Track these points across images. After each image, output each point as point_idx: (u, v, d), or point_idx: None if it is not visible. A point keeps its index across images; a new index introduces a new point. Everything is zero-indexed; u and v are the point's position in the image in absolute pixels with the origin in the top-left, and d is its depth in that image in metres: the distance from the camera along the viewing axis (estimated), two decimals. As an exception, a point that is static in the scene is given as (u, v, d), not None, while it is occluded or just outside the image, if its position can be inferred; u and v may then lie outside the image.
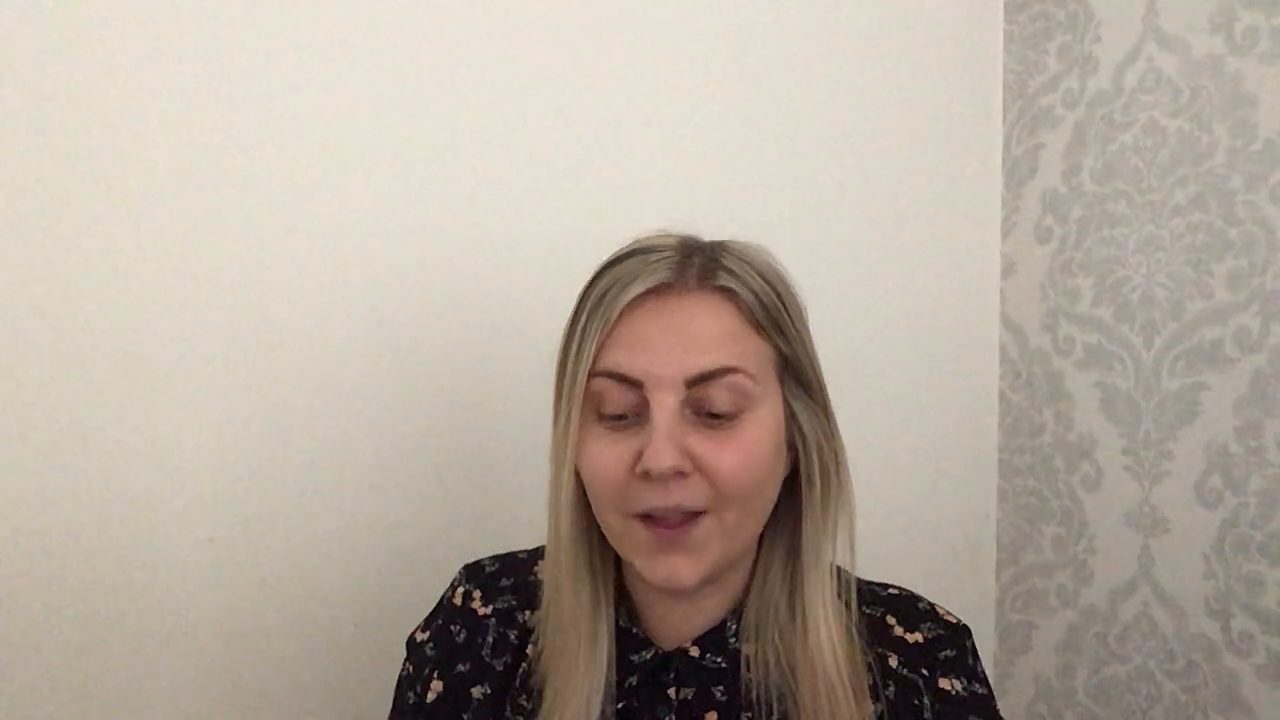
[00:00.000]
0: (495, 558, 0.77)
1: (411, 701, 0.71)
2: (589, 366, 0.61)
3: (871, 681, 0.65)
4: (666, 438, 0.58)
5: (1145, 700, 1.23)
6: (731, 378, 0.60)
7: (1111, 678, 1.28)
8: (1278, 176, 1.10)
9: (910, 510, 1.35)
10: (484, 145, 1.01)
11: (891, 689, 0.65)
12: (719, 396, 0.60)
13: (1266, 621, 1.11)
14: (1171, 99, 1.20)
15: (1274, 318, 1.10)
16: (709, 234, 0.68)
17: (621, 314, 0.61)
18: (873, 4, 1.30)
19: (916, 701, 0.65)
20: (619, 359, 0.61)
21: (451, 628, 0.72)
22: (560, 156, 1.05)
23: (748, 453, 0.60)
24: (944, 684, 0.66)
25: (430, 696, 0.70)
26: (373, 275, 0.95)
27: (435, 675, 0.71)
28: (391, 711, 0.74)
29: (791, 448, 0.65)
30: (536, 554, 0.75)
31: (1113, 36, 1.28)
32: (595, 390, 0.62)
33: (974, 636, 0.71)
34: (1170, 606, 1.21)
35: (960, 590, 1.40)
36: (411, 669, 0.73)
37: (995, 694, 0.69)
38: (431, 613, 0.75)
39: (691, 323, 0.61)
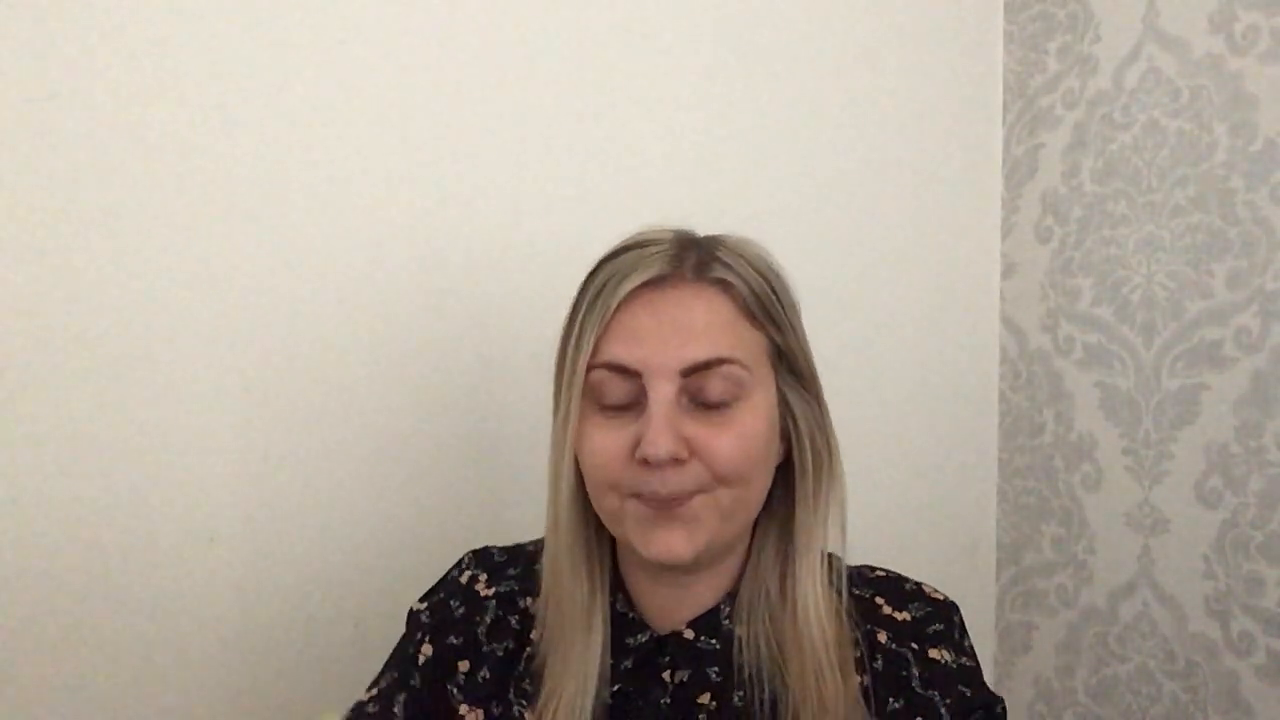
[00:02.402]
0: (504, 549, 0.78)
1: (409, 653, 0.73)
2: (588, 359, 0.63)
3: (858, 655, 0.66)
4: (664, 426, 0.60)
5: (1145, 700, 1.23)
6: (726, 368, 0.62)
7: (1111, 678, 1.28)
8: (1278, 176, 1.10)
9: (910, 510, 1.35)
10: (484, 144, 1.01)
11: (880, 662, 0.67)
12: (714, 386, 0.62)
13: (1266, 621, 1.11)
14: (1171, 99, 1.20)
15: (1274, 318, 1.10)
16: (706, 231, 0.69)
17: (619, 306, 0.63)
18: (873, 4, 1.30)
19: (904, 673, 0.66)
20: (617, 351, 0.62)
21: (451, 602, 0.74)
22: (560, 154, 1.05)
23: (743, 438, 0.62)
24: (933, 654, 0.67)
25: (420, 659, 0.72)
26: (372, 275, 0.95)
27: (427, 640, 0.72)
28: (383, 667, 0.75)
29: (785, 437, 0.67)
30: (542, 545, 0.76)
31: (1113, 36, 1.28)
32: (594, 381, 0.63)
33: (971, 631, 0.71)
34: (1170, 606, 1.21)
35: (960, 590, 1.39)
36: (406, 633, 0.75)
37: (993, 692, 0.70)
38: (434, 587, 0.77)
39: (687, 314, 0.62)
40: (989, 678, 1.42)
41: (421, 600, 0.76)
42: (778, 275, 0.67)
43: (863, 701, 0.64)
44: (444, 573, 0.78)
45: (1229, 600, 1.14)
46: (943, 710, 0.65)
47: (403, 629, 0.77)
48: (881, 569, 0.73)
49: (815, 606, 0.64)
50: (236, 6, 0.87)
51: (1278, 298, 1.10)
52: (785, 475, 0.68)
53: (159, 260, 0.84)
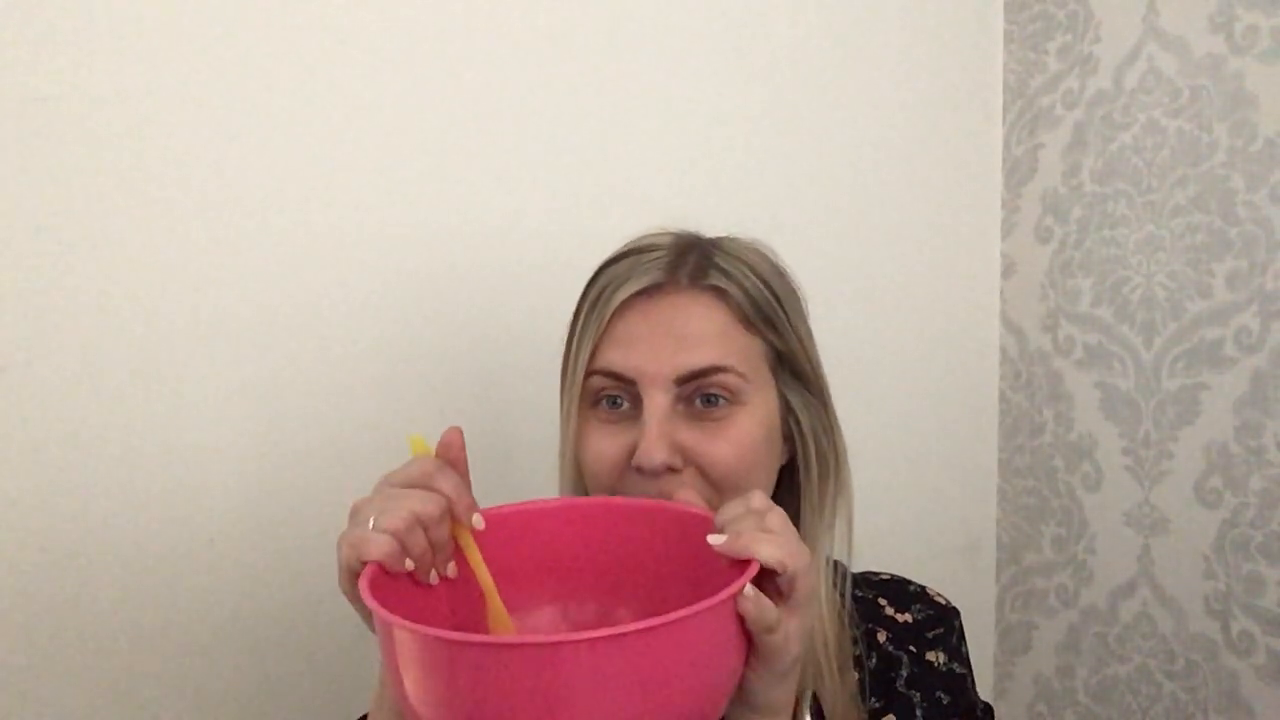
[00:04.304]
0: None
1: None
2: (586, 365, 0.64)
3: (857, 653, 0.67)
4: (658, 435, 0.60)
5: (1145, 700, 1.23)
6: (721, 376, 0.62)
7: (1111, 678, 1.28)
8: (1278, 176, 1.10)
9: (910, 510, 1.35)
10: (489, 144, 1.01)
11: (874, 660, 0.68)
12: (709, 393, 0.62)
13: (1266, 621, 1.11)
14: (1171, 99, 1.20)
15: (1274, 318, 1.10)
16: (708, 233, 0.69)
17: (615, 314, 0.64)
18: (873, 4, 1.30)
19: (892, 674, 0.68)
20: (613, 358, 0.63)
21: None
22: (564, 157, 1.05)
23: (738, 443, 0.62)
24: (930, 656, 0.69)
25: None
26: (375, 276, 0.95)
27: None
28: None
29: (789, 439, 0.67)
30: None
31: (1113, 36, 1.28)
32: (592, 387, 0.64)
33: (971, 633, 0.72)
34: (1170, 606, 1.21)
35: (960, 590, 1.40)
36: None
37: (994, 693, 0.70)
38: None
39: (682, 322, 0.63)
40: (989, 677, 1.42)
41: None
42: (781, 278, 0.67)
43: (858, 698, 0.65)
44: None
45: (1229, 600, 1.14)
46: (919, 712, 0.66)
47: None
48: (886, 573, 0.73)
49: (819, 609, 0.65)
50: (241, 7, 0.87)
51: (1278, 298, 1.10)
52: (793, 477, 0.68)
53: (159, 261, 0.84)
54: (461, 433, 0.56)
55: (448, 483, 0.54)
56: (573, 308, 0.67)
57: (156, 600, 0.85)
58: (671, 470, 0.61)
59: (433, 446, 0.56)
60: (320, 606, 0.93)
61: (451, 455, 0.56)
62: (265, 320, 0.89)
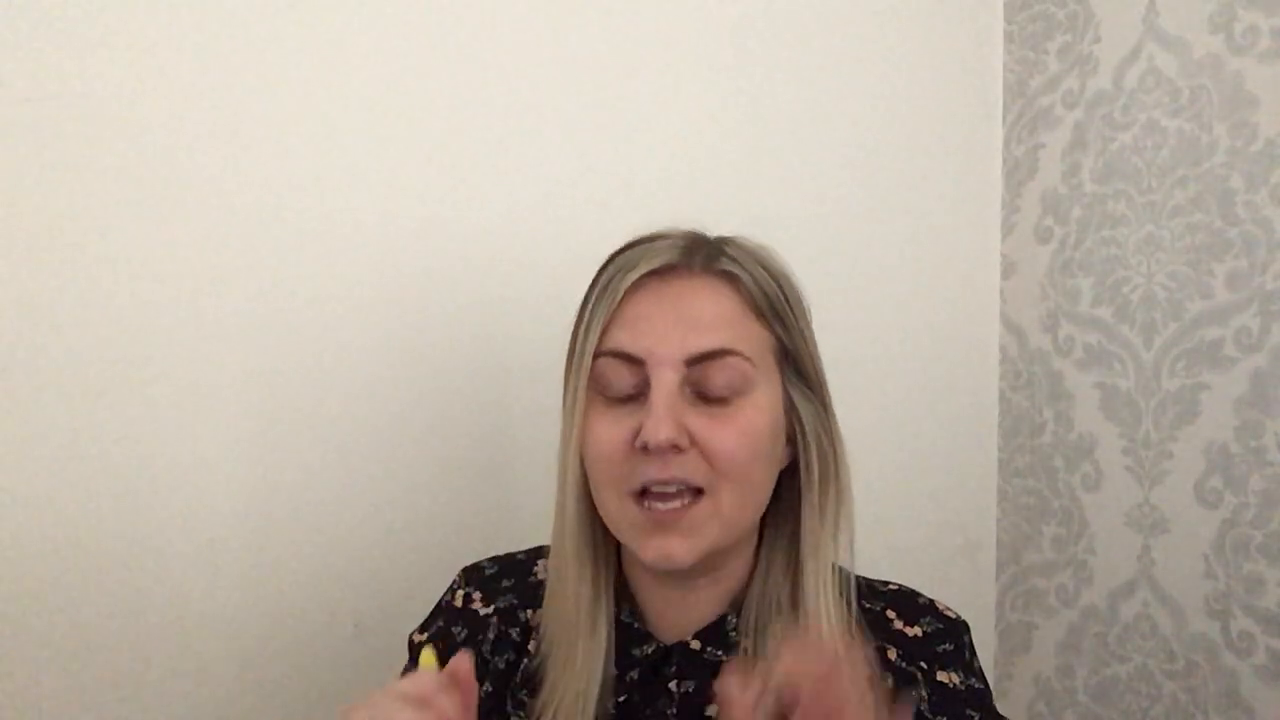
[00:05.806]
0: (494, 559, 0.77)
1: None
2: (595, 346, 0.63)
3: (869, 673, 0.66)
4: (665, 413, 0.60)
5: (1145, 700, 1.23)
6: (730, 359, 0.62)
7: (1111, 678, 1.28)
8: (1278, 176, 1.10)
9: (910, 510, 1.35)
10: (490, 145, 1.01)
11: (889, 681, 0.66)
12: (717, 378, 0.62)
13: (1266, 621, 1.11)
14: (1171, 99, 1.20)
15: (1274, 318, 1.10)
16: (711, 232, 0.69)
17: (626, 295, 0.63)
18: (873, 5, 1.30)
19: (913, 693, 0.66)
20: (622, 338, 0.63)
21: (453, 629, 0.73)
22: (564, 157, 1.05)
23: (743, 432, 0.62)
24: (941, 677, 0.67)
25: None
26: (376, 276, 0.95)
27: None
28: None
29: (791, 440, 0.66)
30: (534, 554, 0.76)
31: (1113, 36, 1.28)
32: (600, 370, 0.64)
33: (973, 634, 0.71)
34: (1170, 606, 1.21)
35: (960, 590, 1.40)
36: (411, 663, 0.74)
37: (995, 693, 0.70)
38: (430, 615, 0.76)
39: (693, 304, 0.63)
40: (989, 678, 1.42)
41: (420, 630, 0.75)
42: (787, 277, 0.67)
43: None
44: (440, 595, 0.77)
45: (1229, 600, 1.14)
46: None
47: (403, 630, 0.77)
48: (894, 583, 0.73)
49: (827, 619, 0.64)
50: (240, 9, 0.87)
51: (1278, 298, 1.10)
52: (793, 480, 0.67)
53: (160, 262, 0.84)
54: (473, 660, 0.54)
55: (449, 706, 0.51)
56: (573, 307, 0.67)
57: (156, 600, 0.85)
58: (677, 449, 0.60)
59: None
60: (319, 605, 0.93)
61: (459, 679, 0.52)
62: (265, 320, 0.89)
